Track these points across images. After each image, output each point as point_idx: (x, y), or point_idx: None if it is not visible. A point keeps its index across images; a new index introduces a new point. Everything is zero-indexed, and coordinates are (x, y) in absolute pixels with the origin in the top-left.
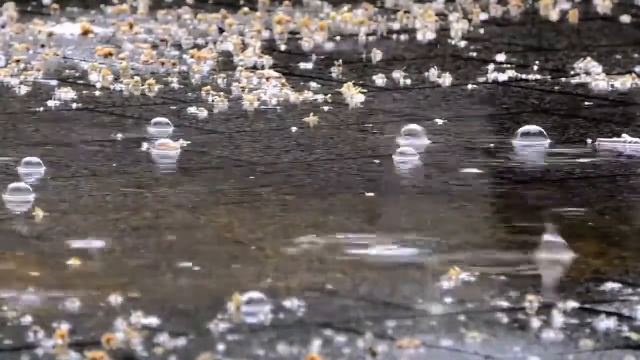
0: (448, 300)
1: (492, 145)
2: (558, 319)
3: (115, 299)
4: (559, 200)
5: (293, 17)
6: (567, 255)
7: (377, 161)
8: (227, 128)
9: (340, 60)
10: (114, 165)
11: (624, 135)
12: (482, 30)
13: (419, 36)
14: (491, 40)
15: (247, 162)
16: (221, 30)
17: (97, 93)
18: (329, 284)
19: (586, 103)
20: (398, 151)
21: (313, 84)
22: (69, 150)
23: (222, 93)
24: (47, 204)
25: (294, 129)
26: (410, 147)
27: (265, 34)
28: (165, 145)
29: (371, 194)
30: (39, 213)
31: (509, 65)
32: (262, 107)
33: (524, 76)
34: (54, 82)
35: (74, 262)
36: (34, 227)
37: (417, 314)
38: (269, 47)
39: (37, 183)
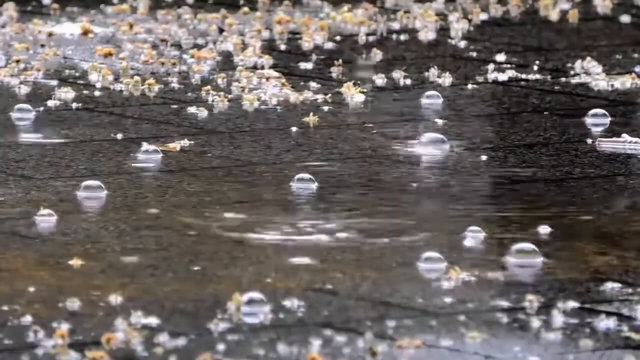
0: (448, 300)
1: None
2: (558, 319)
3: (115, 299)
4: (559, 200)
5: (293, 17)
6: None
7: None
8: (227, 128)
9: (341, 60)
10: (114, 165)
11: (624, 135)
12: (482, 30)
13: (420, 36)
14: (491, 40)
15: (247, 162)
16: (221, 30)
17: (97, 93)
18: (329, 284)
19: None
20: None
21: (313, 84)
22: (69, 150)
23: (222, 93)
24: (47, 203)
25: (294, 129)
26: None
27: (265, 34)
28: (165, 145)
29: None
30: (43, 213)
31: (509, 65)
32: (262, 107)
33: (524, 76)
34: (54, 82)
35: (74, 262)
36: (34, 227)
37: (417, 314)
38: (269, 47)
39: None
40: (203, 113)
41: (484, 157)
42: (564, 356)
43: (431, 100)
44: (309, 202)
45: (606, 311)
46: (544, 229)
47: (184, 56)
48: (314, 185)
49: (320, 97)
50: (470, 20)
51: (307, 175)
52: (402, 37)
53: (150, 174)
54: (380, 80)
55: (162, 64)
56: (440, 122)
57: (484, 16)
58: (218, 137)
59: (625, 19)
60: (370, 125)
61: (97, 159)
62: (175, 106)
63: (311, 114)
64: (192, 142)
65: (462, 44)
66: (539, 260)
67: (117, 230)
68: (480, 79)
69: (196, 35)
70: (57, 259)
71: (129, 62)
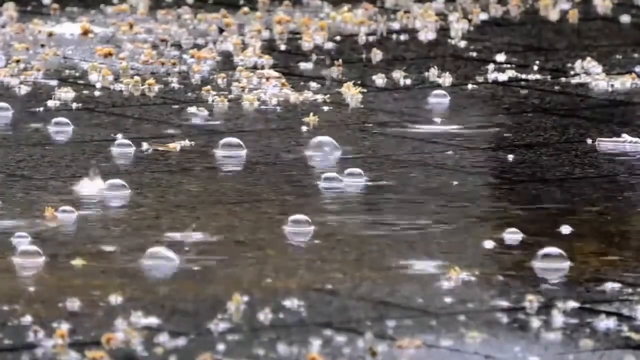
0: (448, 300)
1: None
2: (558, 319)
3: (115, 299)
4: (559, 200)
5: (293, 17)
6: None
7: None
8: (227, 128)
9: (340, 60)
10: (114, 165)
11: (624, 135)
12: (482, 30)
13: (420, 36)
14: (491, 40)
15: (247, 162)
16: (221, 30)
17: (97, 93)
18: (329, 284)
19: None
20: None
21: (313, 84)
22: (69, 150)
23: (222, 93)
24: (48, 203)
25: (294, 129)
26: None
27: (265, 34)
28: (165, 145)
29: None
30: (50, 212)
31: (509, 65)
32: (262, 107)
33: (524, 76)
34: (54, 82)
35: (76, 262)
36: (35, 227)
37: (417, 314)
38: (269, 47)
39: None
40: (203, 113)
41: (510, 157)
42: (564, 356)
43: (438, 100)
44: (309, 202)
45: (606, 311)
46: (566, 229)
47: (184, 56)
48: (342, 184)
49: (320, 97)
50: (470, 20)
51: (333, 174)
52: (402, 37)
53: (151, 174)
54: (380, 80)
55: (162, 64)
56: (439, 121)
57: (484, 16)
58: (218, 137)
59: (625, 19)
60: (370, 125)
61: (98, 159)
62: (175, 106)
63: (311, 114)
64: (192, 142)
65: (462, 44)
66: (566, 264)
67: (117, 230)
68: (480, 79)
69: (196, 35)
70: (57, 259)
71: (129, 62)
